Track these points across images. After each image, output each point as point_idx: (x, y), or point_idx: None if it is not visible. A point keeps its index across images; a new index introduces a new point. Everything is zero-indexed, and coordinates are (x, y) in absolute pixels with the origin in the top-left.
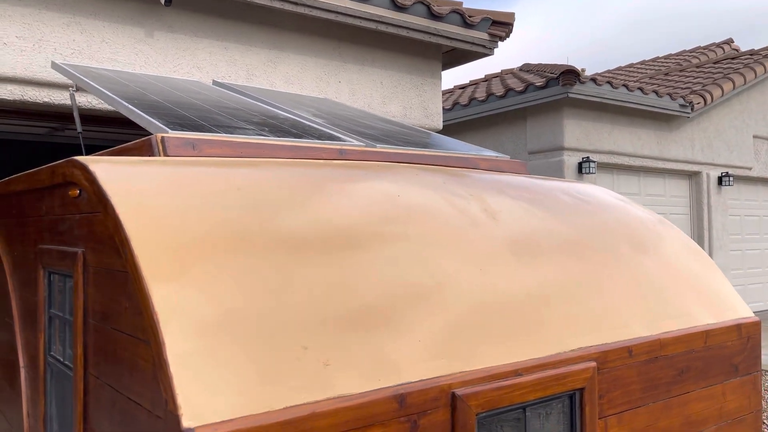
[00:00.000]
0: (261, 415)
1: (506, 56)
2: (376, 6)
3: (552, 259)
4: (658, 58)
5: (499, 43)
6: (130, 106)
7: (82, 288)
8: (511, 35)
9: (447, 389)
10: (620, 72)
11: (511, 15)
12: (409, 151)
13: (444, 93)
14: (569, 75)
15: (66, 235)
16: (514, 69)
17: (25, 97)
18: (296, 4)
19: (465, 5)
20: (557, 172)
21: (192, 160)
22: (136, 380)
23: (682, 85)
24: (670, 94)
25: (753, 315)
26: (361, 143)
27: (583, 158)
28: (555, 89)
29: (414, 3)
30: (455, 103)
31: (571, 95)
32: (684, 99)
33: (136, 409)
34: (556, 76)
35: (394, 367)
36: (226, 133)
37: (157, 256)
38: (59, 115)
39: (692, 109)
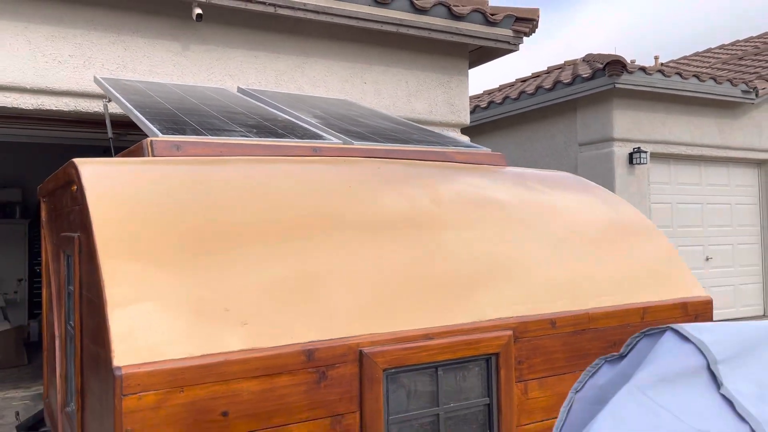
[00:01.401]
0: (181, 359)
1: (592, 44)
2: (396, 10)
3: (486, 239)
4: (737, 41)
5: (524, 38)
6: (138, 113)
7: (78, 265)
8: (536, 30)
9: (355, 347)
10: (696, 58)
11: (535, 11)
12: (386, 147)
13: (503, 87)
14: (615, 65)
15: (72, 223)
16: (577, 60)
17: (78, 108)
18: (318, 13)
19: (512, 2)
20: (606, 164)
21: (172, 159)
22: (98, 335)
23: (751, 69)
24: (730, 81)
25: (705, 295)
26: (339, 141)
27: (634, 149)
28: (602, 80)
29: (434, 5)
30: (506, 97)
31: (618, 86)
32: (747, 85)
33: (98, 356)
34: (602, 66)
35: (307, 327)
36: (212, 135)
37: (112, 236)
38: (113, 124)
39: (757, 95)
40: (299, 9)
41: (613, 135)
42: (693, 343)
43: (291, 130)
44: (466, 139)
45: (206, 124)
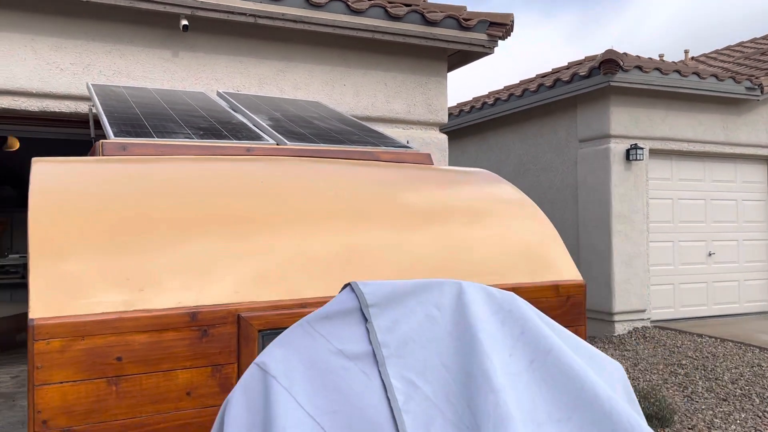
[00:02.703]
0: (83, 314)
1: (644, 35)
2: (370, 17)
3: (367, 226)
4: (755, 39)
5: (500, 41)
6: (104, 117)
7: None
8: (511, 34)
9: (234, 312)
10: (725, 51)
11: (508, 16)
12: (317, 147)
13: (523, 82)
14: (609, 64)
15: None
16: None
17: (77, 110)
18: (296, 22)
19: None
20: (603, 160)
21: (115, 158)
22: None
23: (763, 65)
24: (734, 77)
25: (578, 278)
26: (274, 142)
27: (631, 145)
28: (598, 78)
29: (408, 12)
30: (510, 94)
31: (614, 83)
32: (751, 81)
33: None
34: (598, 65)
35: (195, 295)
36: (160, 137)
37: (43, 219)
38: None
39: (762, 92)
40: (278, 19)
41: (609, 132)
42: (354, 291)
43: (237, 131)
44: (437, 138)
45: (161, 126)
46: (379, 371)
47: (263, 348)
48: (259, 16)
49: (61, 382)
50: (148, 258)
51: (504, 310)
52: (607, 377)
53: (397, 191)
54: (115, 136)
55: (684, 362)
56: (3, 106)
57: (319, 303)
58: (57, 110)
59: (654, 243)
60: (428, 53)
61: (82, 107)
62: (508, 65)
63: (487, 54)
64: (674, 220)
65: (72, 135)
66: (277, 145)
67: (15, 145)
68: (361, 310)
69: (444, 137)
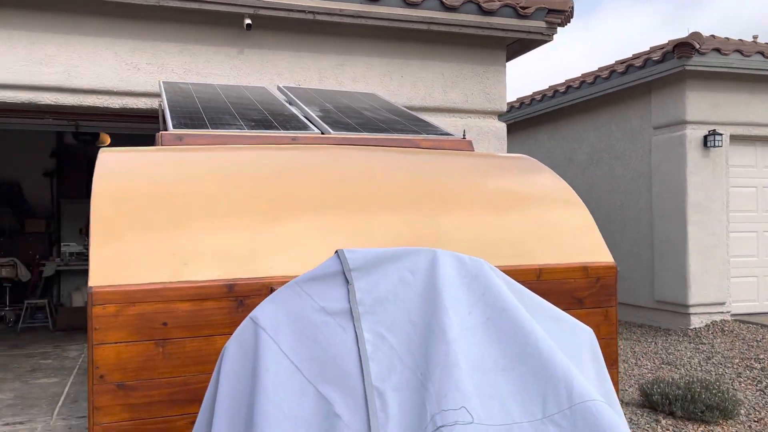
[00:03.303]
0: (135, 284)
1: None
2: (426, 9)
3: (397, 211)
4: None
5: (559, 29)
6: (167, 112)
7: None
8: (570, 21)
9: (268, 284)
10: None
11: (567, 2)
12: (359, 136)
13: (598, 70)
14: (683, 48)
15: None
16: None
17: (153, 106)
18: (354, 17)
19: None
20: (678, 147)
21: (172, 147)
22: None
23: None
24: None
25: (609, 261)
26: (319, 131)
27: (709, 131)
28: (672, 63)
29: (464, 3)
30: (582, 81)
31: (690, 68)
32: None
33: None
34: (672, 49)
35: (233, 270)
36: (214, 129)
37: (104, 200)
38: None
39: None
40: (336, 14)
41: (685, 118)
42: (339, 257)
43: (286, 122)
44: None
45: (217, 119)
46: (354, 326)
47: None
48: (318, 12)
49: (116, 342)
50: (193, 235)
51: (471, 274)
52: (573, 340)
53: (434, 177)
54: (174, 128)
55: (762, 357)
56: (89, 104)
57: None
58: (135, 107)
59: (735, 233)
60: (485, 43)
61: (157, 104)
62: (598, 51)
63: (546, 41)
64: (758, 209)
65: (148, 130)
66: (322, 134)
67: (106, 140)
68: (344, 273)
69: (502, 126)
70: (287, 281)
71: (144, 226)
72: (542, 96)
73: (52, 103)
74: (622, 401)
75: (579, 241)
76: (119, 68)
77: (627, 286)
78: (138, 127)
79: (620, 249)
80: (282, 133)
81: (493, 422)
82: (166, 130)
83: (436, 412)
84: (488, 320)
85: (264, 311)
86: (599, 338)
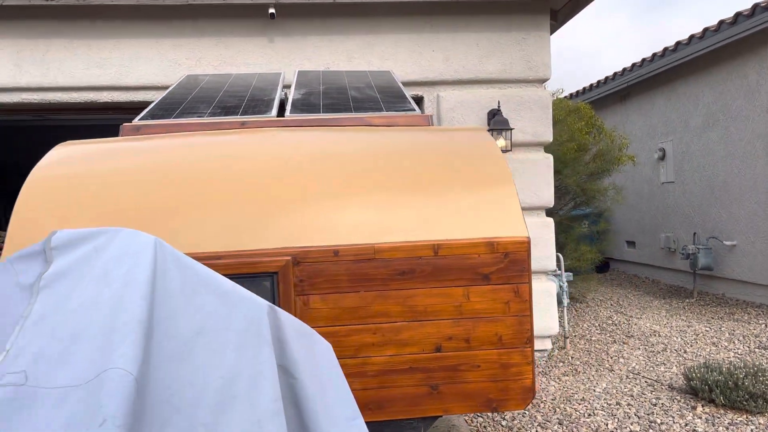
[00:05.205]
0: None
1: None
2: None
3: (301, 186)
4: None
5: None
6: (151, 105)
7: None
8: None
9: None
10: None
11: None
12: (312, 117)
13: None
14: None
15: None
16: None
17: None
18: None
19: None
20: None
21: (127, 138)
22: None
23: None
24: None
25: (520, 235)
26: (275, 114)
27: None
28: None
29: None
30: (692, 36)
31: None
32: None
33: None
34: None
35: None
36: (176, 118)
37: (36, 188)
38: None
39: None
40: None
41: None
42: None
43: (254, 107)
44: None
45: (190, 108)
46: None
47: None
48: None
49: None
50: (103, 210)
51: (130, 252)
52: (229, 313)
53: (353, 156)
54: (140, 119)
55: None
56: (138, 100)
57: (233, 255)
58: None
59: None
60: (524, 8)
61: None
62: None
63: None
64: None
65: None
66: (278, 117)
67: None
68: (44, 249)
69: (546, 93)
70: None
71: (66, 207)
72: (653, 56)
73: (109, 101)
74: (670, 386)
75: (490, 215)
76: (162, 64)
77: (746, 263)
78: None
79: (737, 221)
80: (232, 118)
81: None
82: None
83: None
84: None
85: None
86: (509, 315)
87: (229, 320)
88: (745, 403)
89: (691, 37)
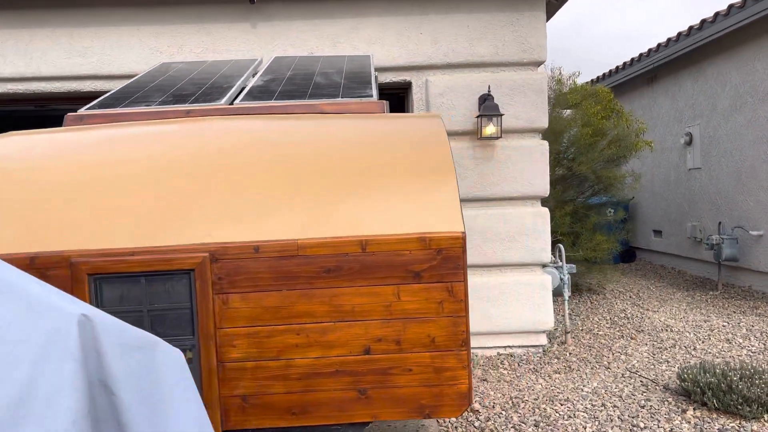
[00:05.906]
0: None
1: None
2: None
3: (223, 179)
4: None
5: None
6: (105, 95)
7: None
8: None
9: (67, 258)
10: None
11: None
12: (261, 104)
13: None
14: None
15: None
16: None
17: None
18: None
19: None
20: None
21: (69, 128)
22: None
23: None
24: None
25: (454, 230)
26: (225, 102)
27: None
28: None
29: None
30: (717, 14)
31: None
32: None
33: None
34: None
35: (36, 243)
36: (124, 107)
37: None
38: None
39: None
40: None
41: None
42: None
43: (207, 95)
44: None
45: (143, 97)
46: None
47: (98, 290)
48: None
49: None
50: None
51: None
52: (35, 324)
53: (290, 146)
54: (87, 109)
55: None
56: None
57: (147, 252)
58: None
59: None
60: None
61: None
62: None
63: None
64: None
65: None
66: (230, 105)
67: None
68: None
69: (541, 77)
70: (89, 255)
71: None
72: (678, 35)
73: (92, 90)
74: (665, 387)
75: (423, 210)
76: (143, 53)
77: None
78: None
79: (765, 209)
80: (182, 107)
81: None
82: None
83: None
84: None
85: None
86: (443, 316)
87: (28, 332)
88: (739, 407)
89: (716, 14)
